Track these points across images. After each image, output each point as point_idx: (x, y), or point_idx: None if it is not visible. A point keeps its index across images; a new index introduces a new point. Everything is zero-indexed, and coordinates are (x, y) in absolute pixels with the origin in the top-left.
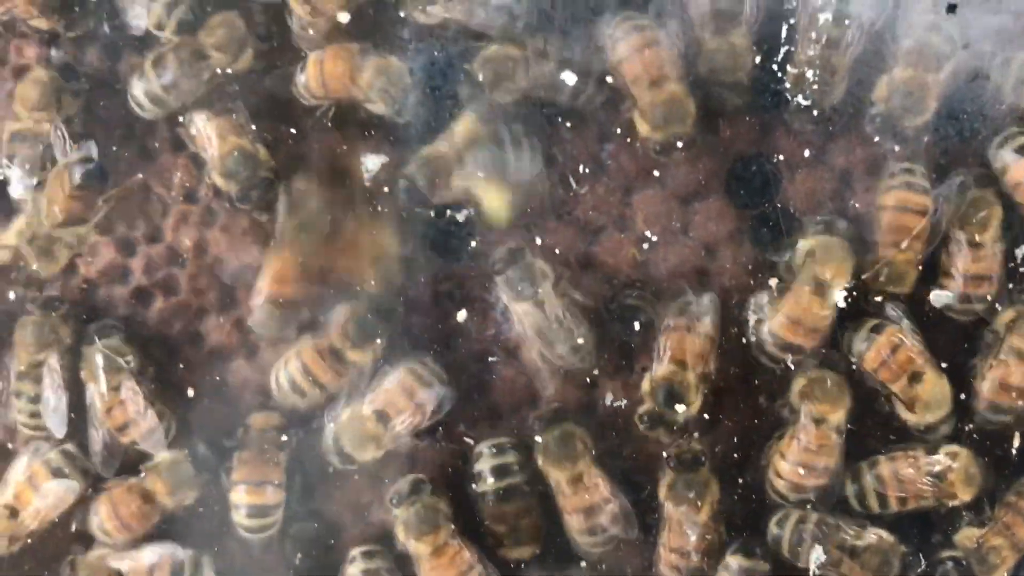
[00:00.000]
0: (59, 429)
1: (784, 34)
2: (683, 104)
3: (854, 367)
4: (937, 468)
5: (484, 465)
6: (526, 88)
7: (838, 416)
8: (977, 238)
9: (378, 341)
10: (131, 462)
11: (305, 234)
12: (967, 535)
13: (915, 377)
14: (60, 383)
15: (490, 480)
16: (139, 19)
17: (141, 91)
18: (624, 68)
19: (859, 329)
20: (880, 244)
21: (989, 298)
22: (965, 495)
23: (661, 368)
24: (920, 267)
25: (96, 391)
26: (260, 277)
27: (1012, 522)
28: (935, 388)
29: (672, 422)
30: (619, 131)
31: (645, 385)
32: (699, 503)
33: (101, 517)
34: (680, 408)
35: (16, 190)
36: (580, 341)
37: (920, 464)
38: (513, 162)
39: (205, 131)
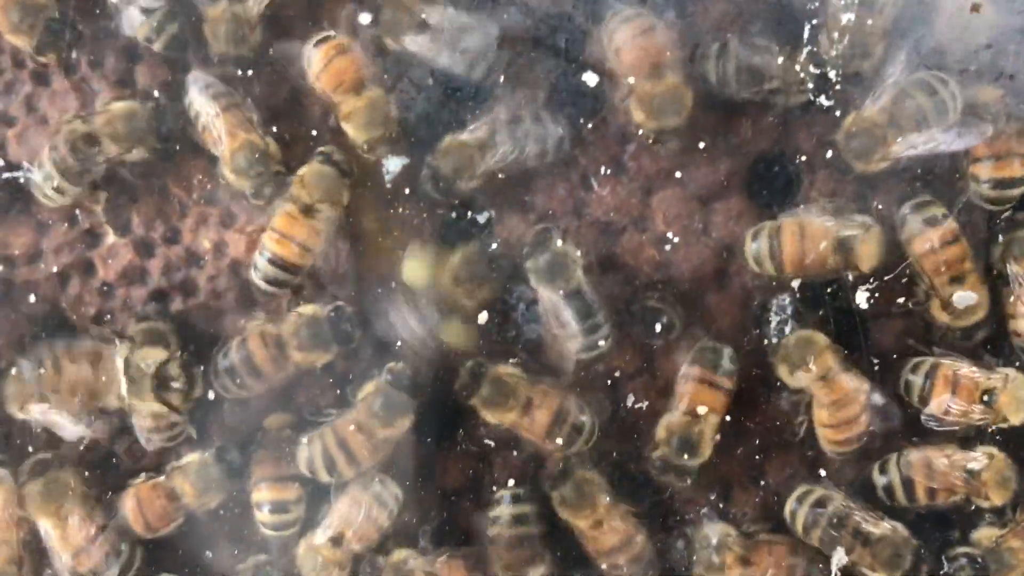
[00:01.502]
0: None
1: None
2: (681, 95)
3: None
4: (972, 465)
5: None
6: (490, 169)
7: None
8: None
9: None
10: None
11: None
12: (986, 534)
13: (989, 395)
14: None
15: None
16: (131, 25)
17: None
18: (622, 56)
19: (916, 371)
20: (938, 288)
21: None
22: (997, 498)
23: (677, 417)
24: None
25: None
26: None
27: None
28: (1015, 390)
29: (683, 469)
30: (640, 132)
31: (661, 432)
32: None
33: (127, 513)
34: (693, 460)
35: None
36: (600, 323)
37: (954, 459)
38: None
39: (214, 128)
